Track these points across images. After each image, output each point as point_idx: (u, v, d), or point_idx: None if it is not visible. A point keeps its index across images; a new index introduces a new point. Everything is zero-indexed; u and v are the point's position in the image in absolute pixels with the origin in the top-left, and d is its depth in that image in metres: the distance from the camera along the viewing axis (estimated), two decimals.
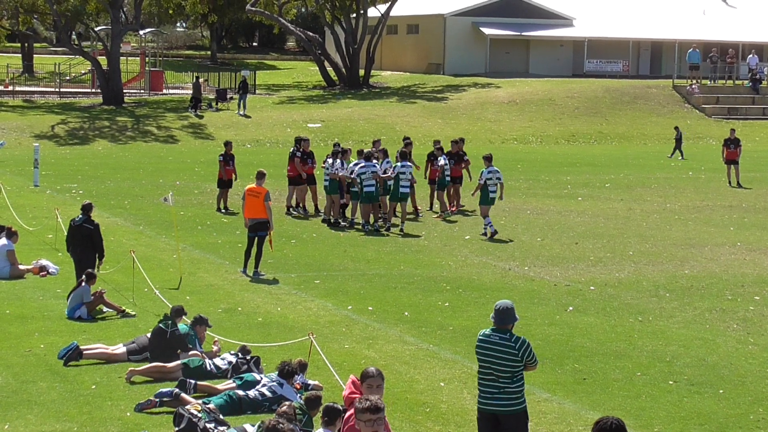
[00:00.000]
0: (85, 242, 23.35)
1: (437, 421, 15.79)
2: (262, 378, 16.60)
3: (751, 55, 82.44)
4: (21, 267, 25.72)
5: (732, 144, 46.69)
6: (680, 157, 58.24)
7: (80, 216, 23.61)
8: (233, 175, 36.98)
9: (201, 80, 74.42)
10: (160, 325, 18.60)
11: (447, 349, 19.61)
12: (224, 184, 36.77)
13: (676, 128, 60.73)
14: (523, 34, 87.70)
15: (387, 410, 12.29)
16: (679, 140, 59.20)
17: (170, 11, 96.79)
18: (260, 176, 26.24)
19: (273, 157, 54.70)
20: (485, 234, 31.88)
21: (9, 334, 20.27)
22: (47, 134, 61.37)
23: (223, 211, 36.03)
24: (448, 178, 36.31)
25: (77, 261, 23.48)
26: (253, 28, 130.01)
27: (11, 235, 26.25)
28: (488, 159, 32.61)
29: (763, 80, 79.13)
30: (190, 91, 72.83)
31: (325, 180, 34.16)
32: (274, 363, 17.67)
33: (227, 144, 38.07)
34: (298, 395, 16.02)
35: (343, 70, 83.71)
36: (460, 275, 26.49)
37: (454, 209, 36.39)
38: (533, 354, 12.69)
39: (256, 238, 25.81)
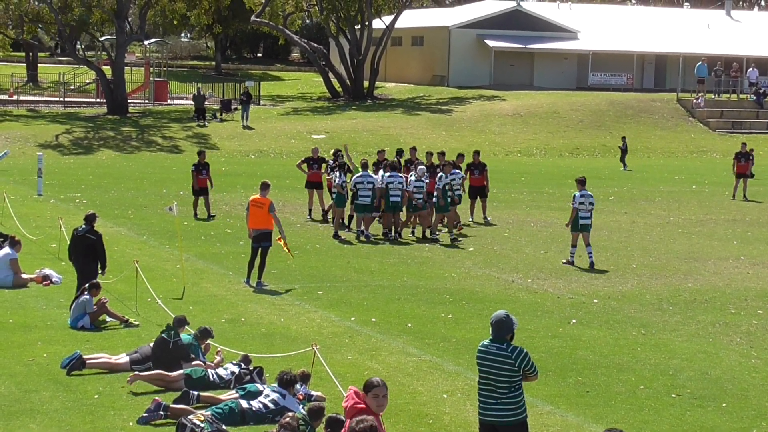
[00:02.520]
0: (87, 252, 23.27)
1: None
2: (264, 389, 16.59)
3: (750, 69, 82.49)
4: (24, 276, 25.72)
5: (743, 158, 46.74)
6: (622, 168, 58.46)
7: (83, 226, 23.58)
8: (207, 184, 37.69)
9: (203, 92, 74.42)
10: (163, 335, 18.58)
11: (450, 361, 19.61)
12: (197, 192, 37.61)
13: (623, 138, 61.17)
14: (527, 46, 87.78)
15: (390, 422, 12.30)
16: (624, 151, 59.60)
17: (175, 21, 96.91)
18: (264, 187, 26.23)
19: (277, 168, 54.75)
20: (591, 264, 29.54)
21: (12, 343, 20.27)
22: (51, 144, 61.41)
23: (208, 218, 36.55)
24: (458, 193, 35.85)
25: (79, 271, 23.44)
26: (257, 39, 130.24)
27: (14, 244, 26.26)
28: (581, 182, 30.07)
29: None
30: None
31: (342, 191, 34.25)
32: (277, 374, 17.68)
33: (200, 153, 38.89)
34: (301, 406, 16.02)
35: (348, 81, 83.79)
36: (464, 287, 26.49)
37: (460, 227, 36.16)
38: (532, 364, 12.67)
39: (260, 249, 25.82)
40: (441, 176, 33.51)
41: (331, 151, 39.56)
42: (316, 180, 37.39)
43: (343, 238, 33.43)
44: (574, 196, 29.91)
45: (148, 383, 17.46)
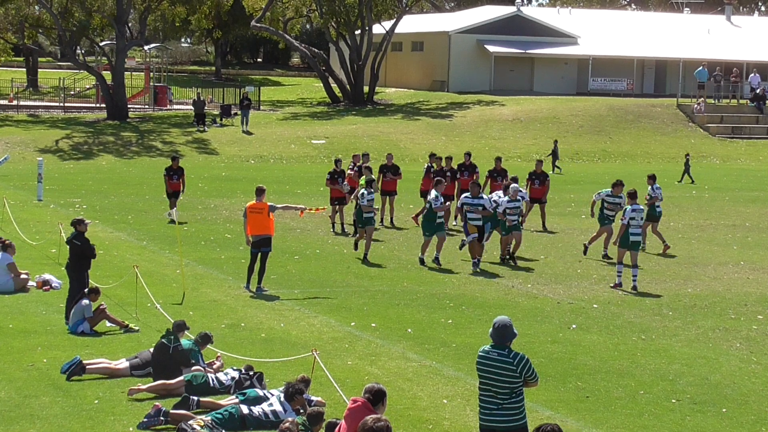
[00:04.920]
0: (75, 259, 22.87)
1: None
2: (266, 395, 16.55)
3: (752, 75, 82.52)
4: (24, 276, 25.72)
5: None
6: (557, 171, 58.54)
7: (73, 232, 23.34)
8: (180, 188, 37.93)
9: (203, 97, 74.47)
10: (163, 340, 18.55)
11: (450, 366, 19.60)
12: (170, 195, 37.88)
13: (555, 141, 61.33)
14: (527, 51, 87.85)
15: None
16: (554, 153, 59.70)
17: (177, 23, 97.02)
18: (260, 192, 26.00)
19: (277, 173, 54.80)
20: (634, 288, 27.17)
21: (12, 348, 20.26)
22: (51, 149, 61.44)
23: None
24: (659, 209, 33.38)
25: (69, 276, 23.12)
26: (257, 44, 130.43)
27: (6, 247, 26.15)
28: (632, 196, 27.61)
29: (767, 99, 79.14)
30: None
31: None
32: (277, 379, 17.69)
33: (174, 159, 39.28)
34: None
35: (348, 86, 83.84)
36: (464, 292, 26.48)
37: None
38: (533, 370, 12.66)
39: (260, 254, 25.79)
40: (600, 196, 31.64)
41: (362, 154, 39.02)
42: (340, 195, 35.95)
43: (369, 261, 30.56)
44: (625, 210, 27.44)
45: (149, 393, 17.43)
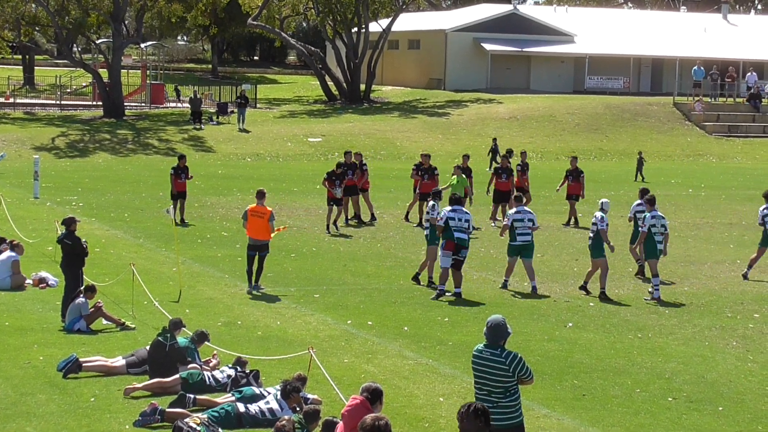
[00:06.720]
0: (68, 257, 22.88)
1: None
2: (262, 393, 16.55)
3: (749, 73, 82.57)
4: (23, 275, 25.84)
5: None
6: (491, 170, 58.49)
7: (63, 232, 23.36)
8: (186, 188, 37.27)
9: (200, 95, 74.45)
10: (159, 338, 18.54)
11: (446, 364, 19.60)
12: (176, 196, 36.84)
13: (494, 139, 61.35)
14: (524, 50, 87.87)
15: None
16: (494, 151, 59.57)
17: (173, 21, 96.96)
18: (261, 196, 25.92)
19: (273, 171, 54.77)
20: (656, 298, 25.72)
21: (8, 346, 20.25)
22: (47, 146, 61.37)
23: (180, 224, 35.36)
24: None
25: (64, 275, 23.23)
26: (254, 42, 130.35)
27: (14, 247, 26.39)
28: (651, 202, 26.47)
29: (763, 98, 79.19)
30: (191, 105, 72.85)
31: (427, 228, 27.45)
32: (273, 377, 17.69)
33: (181, 157, 38.24)
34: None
35: (344, 84, 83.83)
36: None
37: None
38: (526, 368, 12.62)
39: (257, 257, 25.72)
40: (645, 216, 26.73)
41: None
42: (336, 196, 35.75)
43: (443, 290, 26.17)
44: (645, 217, 26.43)
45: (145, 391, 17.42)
